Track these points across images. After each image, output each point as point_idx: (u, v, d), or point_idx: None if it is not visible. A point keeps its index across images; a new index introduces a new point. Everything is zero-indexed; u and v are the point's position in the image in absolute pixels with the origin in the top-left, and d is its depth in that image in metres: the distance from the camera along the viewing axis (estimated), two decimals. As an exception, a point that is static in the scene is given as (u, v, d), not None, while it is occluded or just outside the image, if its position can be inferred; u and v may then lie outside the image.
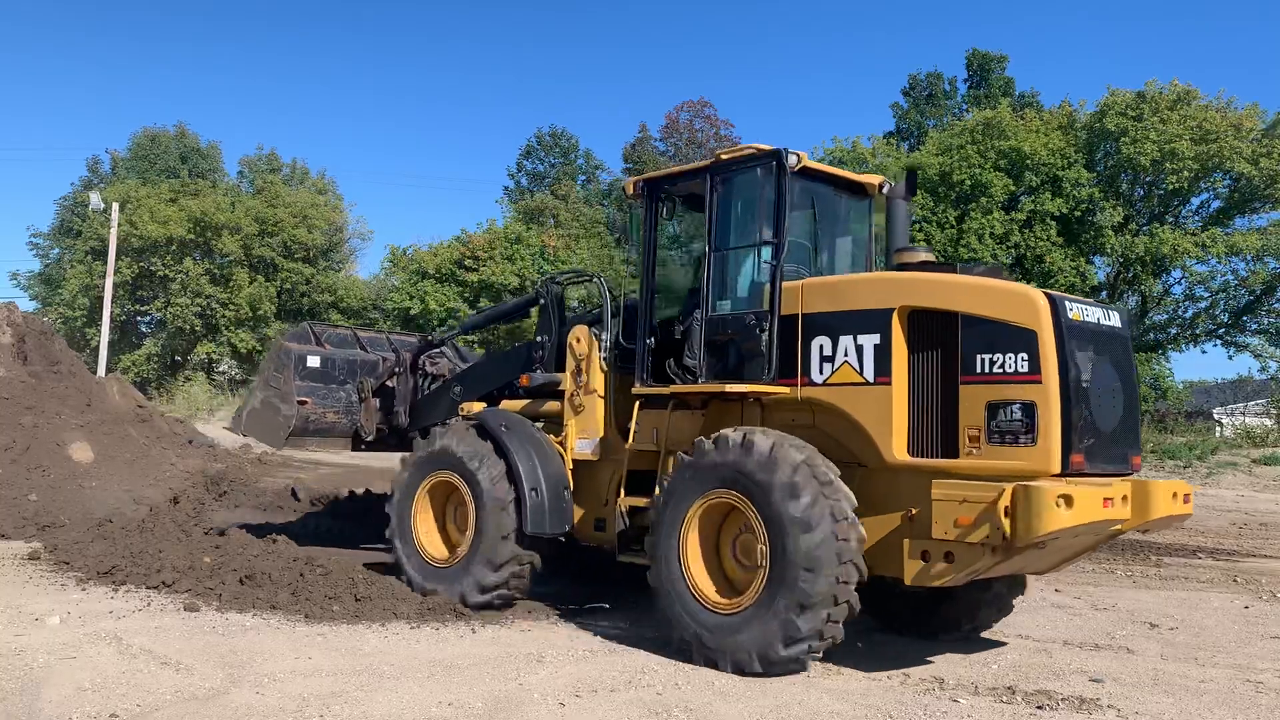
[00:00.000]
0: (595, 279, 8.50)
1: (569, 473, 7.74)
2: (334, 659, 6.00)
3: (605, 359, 7.79)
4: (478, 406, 8.29)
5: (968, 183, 34.89)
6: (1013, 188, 34.81)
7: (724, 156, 7.12)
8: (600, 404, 7.75)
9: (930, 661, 6.68)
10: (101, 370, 33.97)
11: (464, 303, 39.24)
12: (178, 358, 43.97)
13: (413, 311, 39.85)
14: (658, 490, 6.78)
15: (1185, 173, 31.86)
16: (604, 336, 7.83)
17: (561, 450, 7.81)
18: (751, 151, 6.96)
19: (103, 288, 38.55)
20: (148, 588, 7.76)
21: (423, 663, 5.99)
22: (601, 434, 7.70)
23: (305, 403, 9.11)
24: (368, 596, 7.39)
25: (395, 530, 8.07)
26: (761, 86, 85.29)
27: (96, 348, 38.11)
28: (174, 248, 42.33)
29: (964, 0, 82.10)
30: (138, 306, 44.36)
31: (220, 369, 43.89)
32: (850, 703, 5.52)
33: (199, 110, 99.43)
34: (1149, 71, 74.81)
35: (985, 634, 7.51)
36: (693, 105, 51.50)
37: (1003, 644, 7.32)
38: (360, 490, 12.92)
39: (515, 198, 49.51)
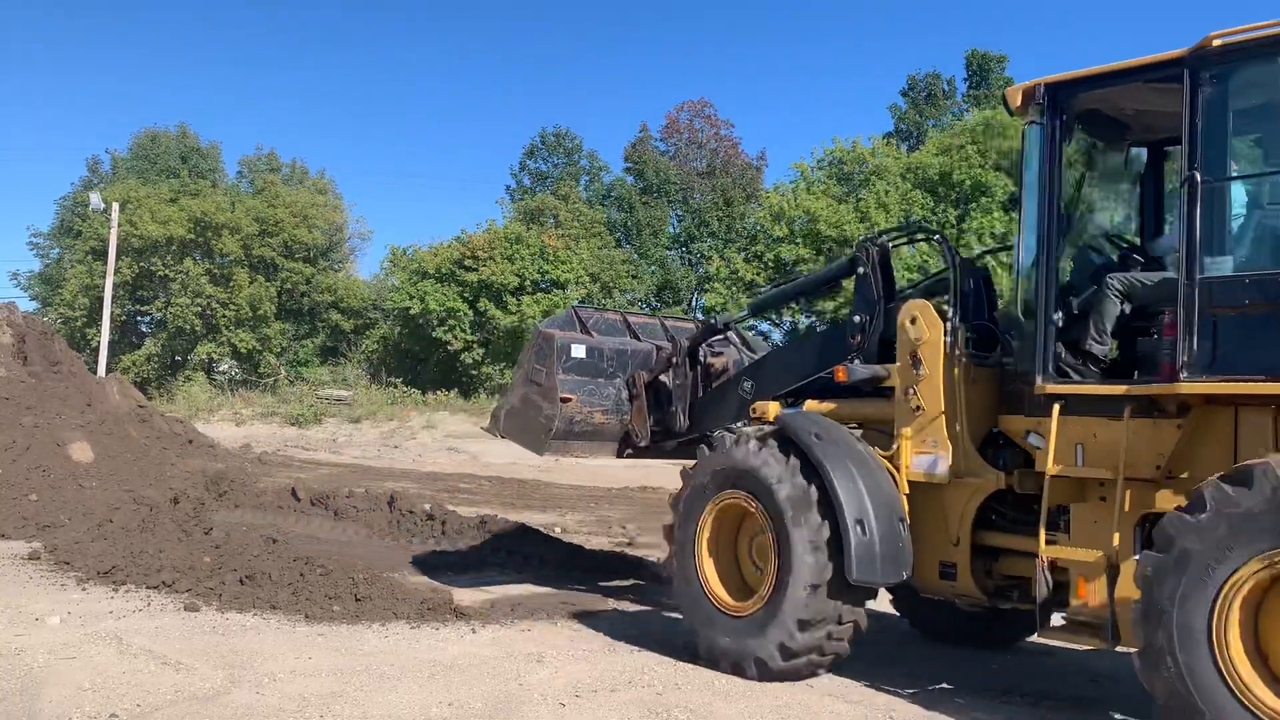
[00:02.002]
0: (936, 237, 6.79)
1: (904, 499, 5.86)
2: (334, 659, 6.00)
3: (953, 344, 5.86)
4: (774, 408, 6.52)
5: (968, 183, 34.91)
6: (1013, 188, 34.84)
7: (1218, 42, 4.88)
8: (947, 407, 5.84)
9: (930, 661, 6.68)
10: (101, 370, 33.98)
11: (464, 302, 39.26)
12: (178, 358, 43.96)
13: (413, 311, 39.87)
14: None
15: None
16: (952, 314, 5.96)
17: (892, 469, 5.94)
18: (1275, 33, 4.73)
19: (103, 288, 38.56)
20: (148, 588, 7.75)
21: (423, 663, 5.99)
22: (949, 447, 5.81)
23: (569, 400, 7.65)
24: (368, 596, 7.39)
25: (675, 564, 6.42)
26: (761, 86, 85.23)
27: (96, 348, 38.11)
28: (174, 248, 42.36)
29: (964, 0, 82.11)
30: (138, 306, 44.38)
31: (220, 369, 43.90)
32: (850, 703, 5.53)
33: (199, 110, 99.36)
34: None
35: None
36: (693, 105, 51.42)
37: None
38: (360, 490, 12.92)
39: (518, 197, 49.50)
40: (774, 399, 6.75)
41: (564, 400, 7.59)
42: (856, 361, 6.43)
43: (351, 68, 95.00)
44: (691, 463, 6.60)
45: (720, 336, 8.20)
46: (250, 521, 11.30)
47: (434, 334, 39.61)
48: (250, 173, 53.87)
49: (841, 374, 6.32)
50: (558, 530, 12.05)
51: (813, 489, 5.70)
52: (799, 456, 5.83)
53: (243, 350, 42.64)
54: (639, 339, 8.41)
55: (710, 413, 7.68)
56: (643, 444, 8.02)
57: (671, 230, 47.95)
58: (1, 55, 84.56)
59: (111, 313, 38.57)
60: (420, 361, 42.29)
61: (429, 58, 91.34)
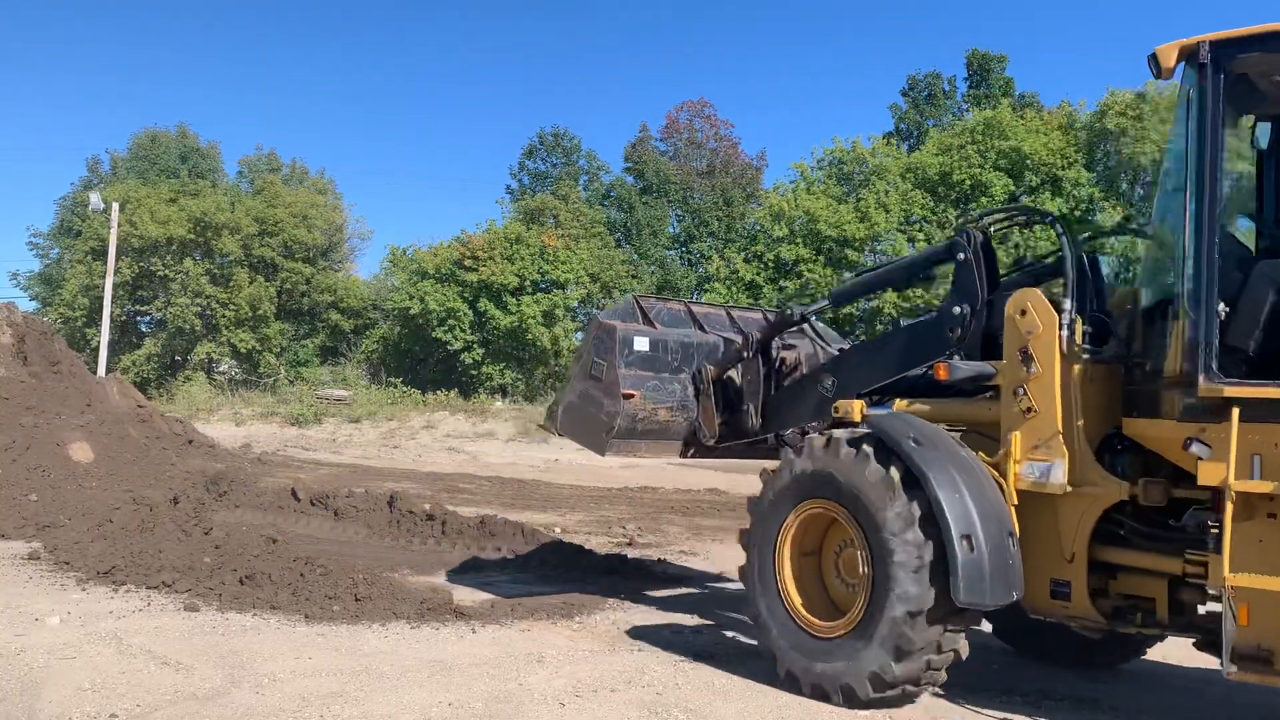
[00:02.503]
0: (1050, 220, 6.10)
1: (1012, 511, 5.31)
2: (334, 659, 6.00)
3: (1070, 338, 5.32)
4: (860, 407, 5.96)
5: (968, 183, 34.94)
6: (1013, 188, 34.85)
7: None
8: (1063, 409, 5.30)
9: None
10: (101, 370, 33.98)
11: (464, 302, 39.27)
12: (178, 358, 43.99)
13: (412, 311, 39.89)
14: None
15: (1185, 173, 31.86)
16: (1069, 304, 5.39)
17: (999, 477, 5.39)
18: None
19: (103, 288, 38.59)
20: (148, 588, 7.75)
21: (423, 663, 5.99)
22: (1065, 453, 5.27)
23: (632, 396, 7.11)
24: (368, 596, 7.39)
25: (754, 577, 5.93)
26: (761, 86, 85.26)
27: (96, 348, 38.14)
28: (174, 248, 42.39)
29: (964, 0, 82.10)
30: (138, 306, 44.41)
31: (220, 369, 43.92)
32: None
33: (199, 110, 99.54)
34: (1149, 72, 74.67)
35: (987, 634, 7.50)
36: (693, 105, 51.51)
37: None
38: (360, 490, 12.91)
39: (517, 197, 49.51)
40: (858, 397, 6.18)
41: (626, 396, 7.04)
42: (956, 357, 5.85)
43: (351, 68, 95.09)
44: (773, 465, 6.09)
45: (794, 329, 7.55)
46: (250, 521, 11.29)
47: (434, 334, 39.64)
48: (250, 173, 53.90)
49: (943, 372, 5.73)
50: (558, 530, 12.05)
51: (913, 500, 5.14)
52: (896, 463, 5.26)
53: (242, 350, 42.67)
54: (704, 330, 7.84)
55: (785, 411, 7.08)
56: (710, 443, 7.42)
57: (671, 230, 47.97)
58: (1, 55, 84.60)
59: (111, 313, 38.60)
60: (420, 361, 42.33)
61: (429, 57, 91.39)
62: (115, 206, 39.27)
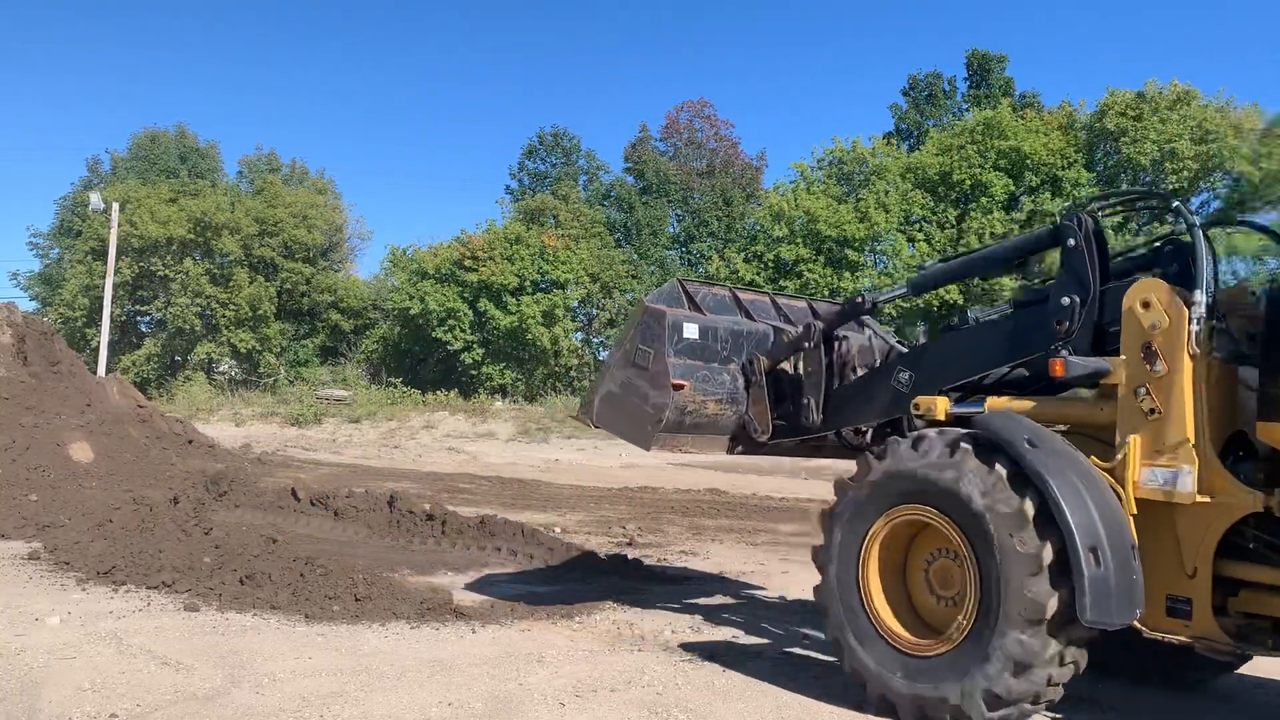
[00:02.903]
0: (1174, 203, 5.50)
1: (1131, 522, 4.90)
2: (334, 659, 6.00)
3: (1200, 335, 4.87)
4: (944, 404, 5.67)
5: (968, 183, 34.96)
6: (1013, 187, 34.88)
7: None
8: (1191, 410, 4.87)
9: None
10: (101, 370, 33.99)
11: (464, 302, 39.27)
12: (178, 358, 44.02)
13: (412, 311, 39.90)
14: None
15: (1185, 173, 31.91)
16: (1200, 298, 4.90)
17: (1115, 484, 4.96)
18: None
19: (103, 288, 38.61)
20: (148, 588, 7.75)
21: (423, 663, 5.99)
22: (1194, 460, 4.84)
23: (681, 387, 6.58)
24: (368, 596, 7.39)
25: (833, 594, 5.46)
26: (761, 86, 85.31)
27: (96, 348, 38.16)
28: (174, 248, 42.41)
29: (964, 0, 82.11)
30: (138, 306, 44.44)
31: (220, 369, 43.94)
32: (850, 702, 5.52)
33: (199, 110, 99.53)
34: (1149, 71, 74.78)
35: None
36: (693, 105, 51.51)
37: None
38: (360, 490, 12.91)
39: (517, 197, 49.53)
40: (940, 394, 5.79)
41: (676, 387, 6.51)
42: (1064, 351, 5.33)
43: (351, 68, 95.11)
44: (845, 470, 5.68)
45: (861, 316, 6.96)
46: (250, 521, 11.29)
47: (434, 334, 39.65)
48: (250, 173, 53.93)
49: (1059, 368, 5.22)
50: (558, 530, 12.05)
51: (1028, 506, 4.73)
52: (1008, 466, 4.85)
53: (242, 350, 42.68)
54: (752, 318, 7.31)
55: (850, 407, 6.59)
56: (763, 439, 6.92)
57: (671, 230, 47.98)
58: (1, 55, 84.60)
59: (111, 313, 38.62)
60: (420, 361, 42.34)
61: (429, 57, 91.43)
62: (115, 206, 39.29)
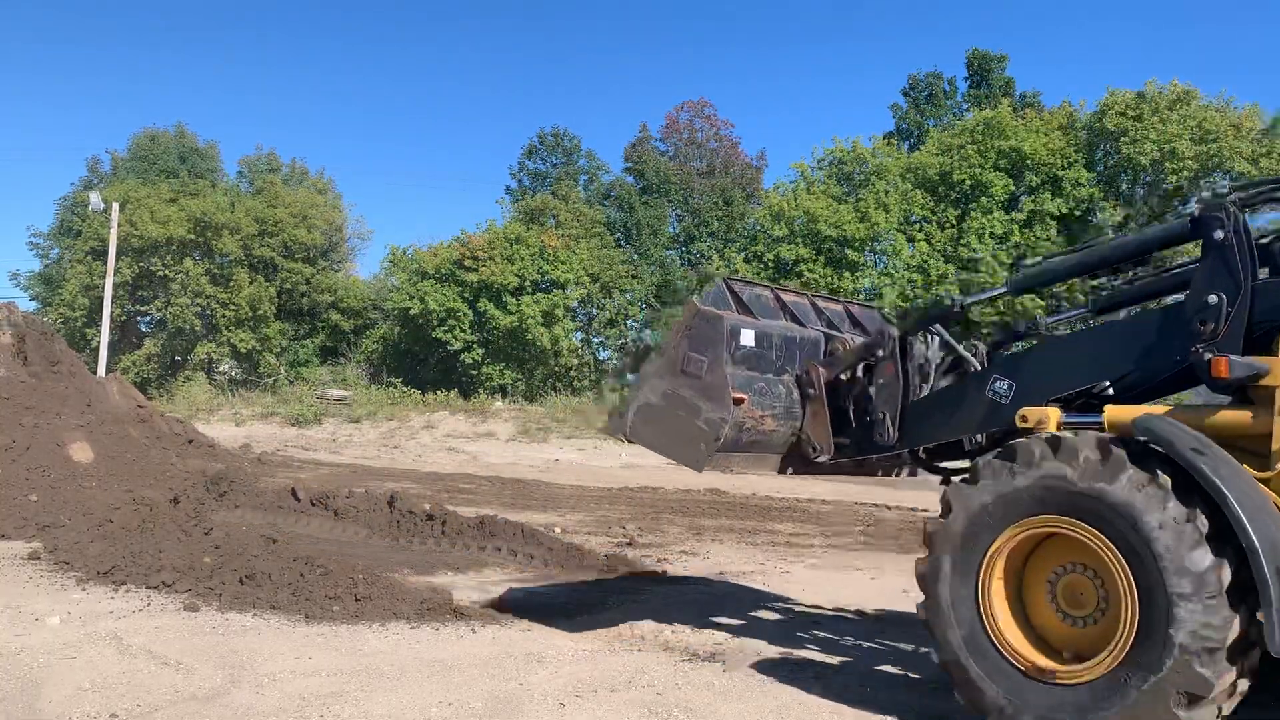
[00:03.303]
0: None
1: None
2: (334, 659, 6.00)
3: None
4: (1055, 415, 5.17)
5: (968, 183, 34.96)
6: (1013, 188, 34.87)
7: None
8: None
9: (930, 661, 6.67)
10: (101, 370, 34.00)
11: (464, 302, 39.27)
12: (178, 358, 44.01)
13: (412, 311, 39.90)
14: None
15: (1185, 172, 31.91)
16: None
17: (1277, 498, 4.61)
18: None
19: (103, 288, 38.62)
20: (148, 588, 7.75)
21: (423, 663, 5.99)
22: None
23: (741, 401, 5.92)
24: (368, 596, 7.39)
25: (946, 617, 4.96)
26: (761, 86, 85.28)
27: (96, 348, 38.16)
28: (174, 248, 42.39)
29: (964, 0, 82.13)
30: (138, 306, 44.43)
31: (220, 369, 43.95)
32: (850, 702, 5.53)
33: (199, 110, 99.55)
34: (1149, 71, 74.81)
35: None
36: (693, 105, 51.46)
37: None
38: (360, 490, 12.92)
39: (517, 197, 49.52)
40: (1049, 404, 5.29)
41: (736, 401, 5.83)
42: (1205, 355, 4.86)
43: (351, 67, 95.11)
44: (947, 483, 5.21)
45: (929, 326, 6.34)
46: (250, 521, 11.29)
47: (434, 334, 39.64)
48: (250, 173, 53.89)
49: (1223, 368, 4.73)
50: (558, 530, 12.05)
51: (1201, 520, 4.32)
52: (1172, 475, 4.44)
53: (242, 350, 42.68)
54: (799, 322, 6.65)
55: (932, 421, 5.98)
56: (823, 459, 6.32)
57: (671, 230, 47.97)
58: (2, 55, 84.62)
59: (111, 313, 38.63)
60: (420, 361, 42.32)
61: (429, 57, 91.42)
62: (115, 206, 39.30)
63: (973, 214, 34.48)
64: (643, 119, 79.39)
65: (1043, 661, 4.71)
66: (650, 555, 10.66)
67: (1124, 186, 34.97)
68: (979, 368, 6.05)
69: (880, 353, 6.10)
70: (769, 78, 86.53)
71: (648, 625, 7.28)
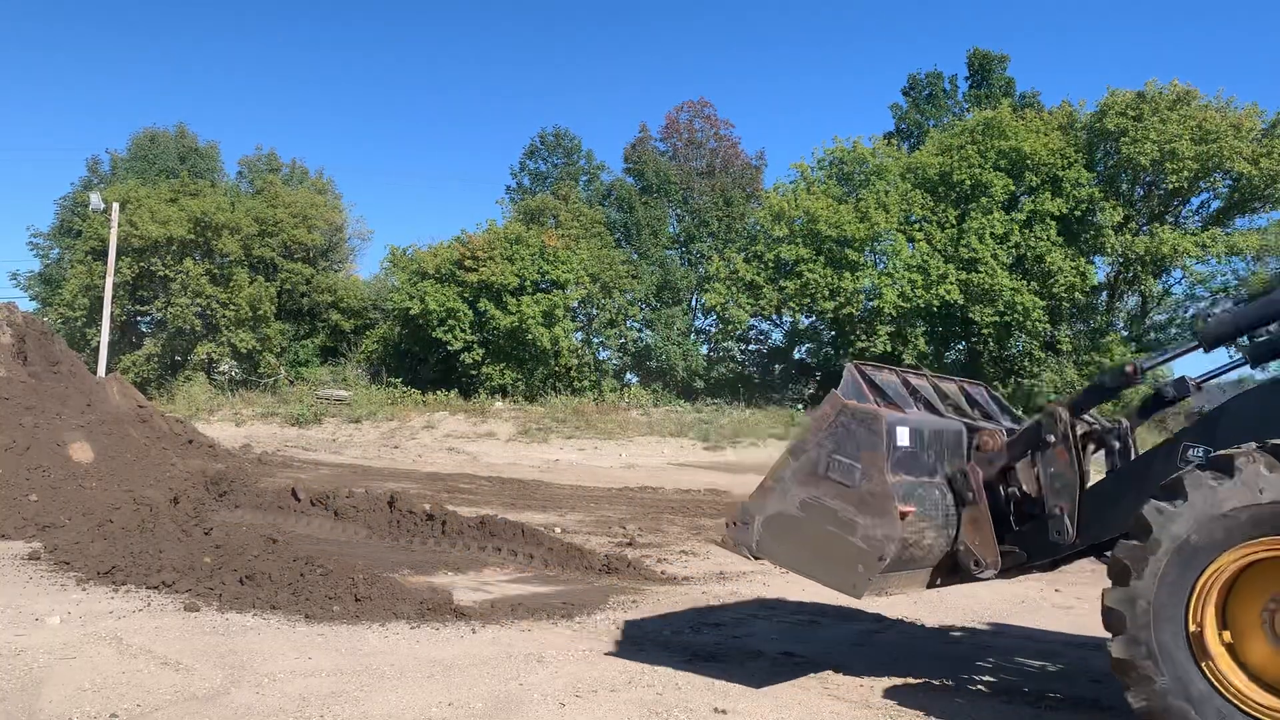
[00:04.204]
0: None
1: None
2: (334, 659, 6.00)
3: None
4: None
5: (968, 183, 34.94)
6: (1013, 188, 34.85)
7: None
8: None
9: (931, 662, 6.68)
10: (101, 370, 34.00)
11: (464, 303, 39.26)
12: (178, 358, 43.97)
13: (413, 311, 39.89)
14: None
15: (1185, 173, 31.92)
16: None
17: None
18: None
19: (103, 288, 38.61)
20: (148, 588, 7.76)
21: (423, 663, 5.99)
22: None
23: (907, 514, 5.11)
24: (368, 596, 7.39)
25: (1143, 647, 4.51)
26: (761, 86, 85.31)
27: (96, 348, 38.14)
28: (174, 248, 42.35)
29: (964, 0, 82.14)
30: (138, 306, 44.38)
31: (220, 369, 43.93)
32: (850, 703, 5.53)
33: (198, 110, 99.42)
34: (1149, 71, 74.80)
35: (987, 632, 7.50)
36: (693, 105, 51.36)
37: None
38: (360, 490, 12.92)
39: (517, 197, 49.49)
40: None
41: (902, 515, 5.06)
42: None
43: (351, 68, 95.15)
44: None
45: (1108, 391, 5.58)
46: (250, 521, 11.30)
47: (434, 334, 39.63)
48: (250, 173, 53.87)
49: None
50: (558, 530, 12.05)
51: None
52: None
53: (243, 350, 42.65)
54: (934, 409, 5.82)
55: (1116, 510, 5.23)
56: (989, 575, 5.57)
57: (671, 230, 47.94)
58: (2, 55, 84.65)
59: (111, 313, 38.61)
60: (420, 361, 42.30)
61: (429, 57, 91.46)
62: (115, 206, 39.29)
63: (973, 214, 34.46)
64: (643, 119, 79.43)
65: (1269, 701, 4.25)
66: (650, 555, 10.66)
67: (1124, 186, 34.96)
68: (1121, 442, 5.48)
69: (1051, 438, 5.39)
70: (769, 78, 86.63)
71: (648, 625, 7.28)
